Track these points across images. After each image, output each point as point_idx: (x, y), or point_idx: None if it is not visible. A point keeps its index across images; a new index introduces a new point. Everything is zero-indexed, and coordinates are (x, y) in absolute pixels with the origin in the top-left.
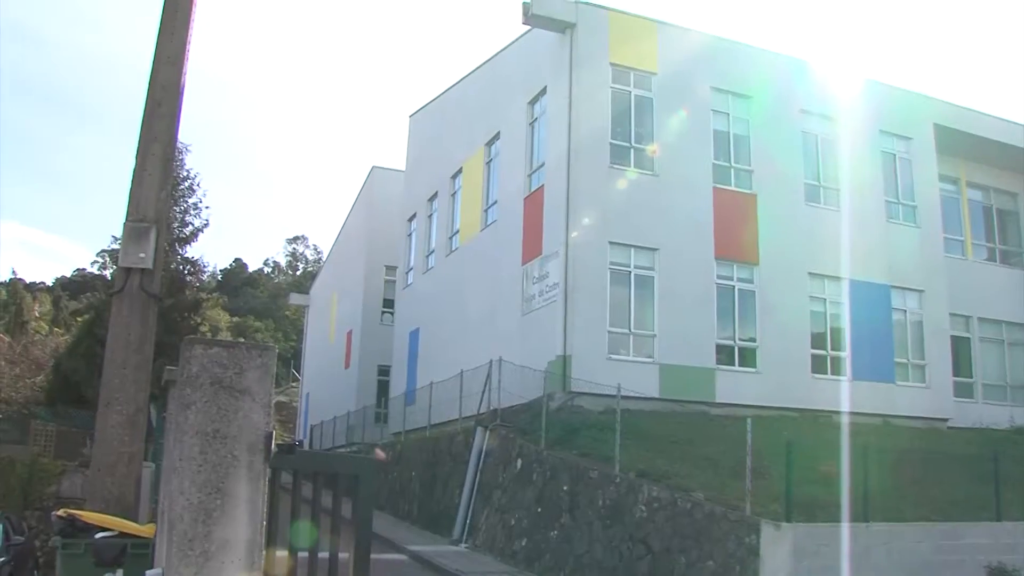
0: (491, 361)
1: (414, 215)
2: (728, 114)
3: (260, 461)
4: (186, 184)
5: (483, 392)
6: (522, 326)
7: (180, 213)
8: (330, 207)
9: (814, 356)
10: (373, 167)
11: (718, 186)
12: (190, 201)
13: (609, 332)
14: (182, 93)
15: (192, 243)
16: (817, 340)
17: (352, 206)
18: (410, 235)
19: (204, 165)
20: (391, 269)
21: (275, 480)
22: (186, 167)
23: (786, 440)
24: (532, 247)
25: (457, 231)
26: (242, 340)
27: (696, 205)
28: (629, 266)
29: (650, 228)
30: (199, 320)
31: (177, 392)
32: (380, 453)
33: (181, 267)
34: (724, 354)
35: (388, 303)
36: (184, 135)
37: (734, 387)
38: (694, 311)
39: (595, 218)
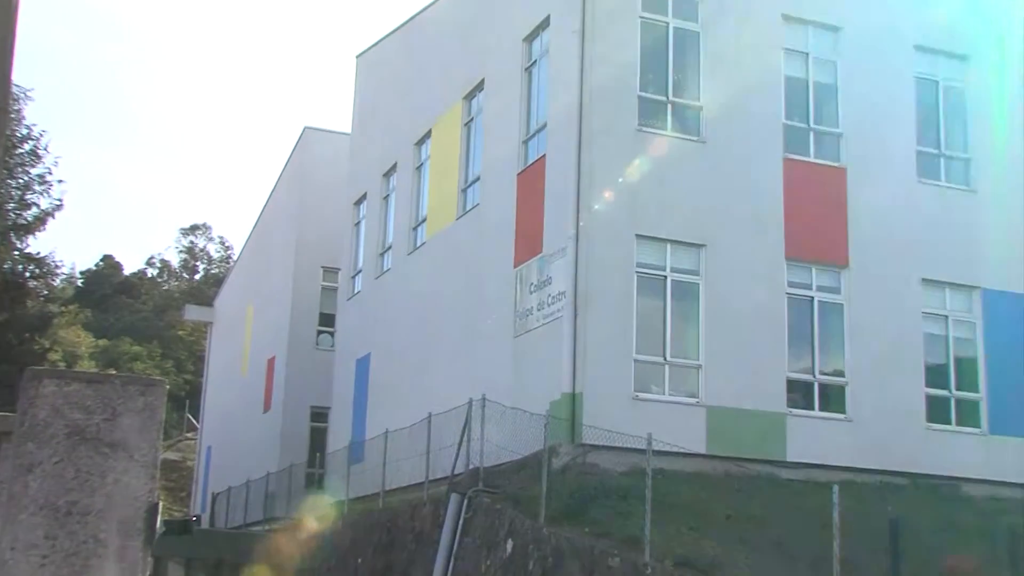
0: (471, 401)
1: (363, 197)
2: (807, 54)
3: (138, 546)
4: (27, 147)
5: (460, 445)
6: (515, 352)
7: (17, 189)
8: (244, 185)
9: (931, 399)
10: (305, 128)
11: (791, 157)
12: (33, 172)
13: (636, 361)
14: (16, 11)
15: (37, 233)
16: (935, 376)
17: (275, 184)
18: (357, 224)
19: (64, 125)
20: (331, 272)
21: (160, 572)
22: (25, 121)
23: (891, 518)
24: (528, 242)
25: (424, 219)
26: (114, 372)
27: (759, 184)
28: (664, 269)
29: (694, 216)
30: (47, 344)
31: (13, 448)
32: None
33: (19, 267)
34: (799, 393)
35: (327, 319)
36: (33, 80)
37: (814, 441)
38: (756, 333)
39: (617, 202)
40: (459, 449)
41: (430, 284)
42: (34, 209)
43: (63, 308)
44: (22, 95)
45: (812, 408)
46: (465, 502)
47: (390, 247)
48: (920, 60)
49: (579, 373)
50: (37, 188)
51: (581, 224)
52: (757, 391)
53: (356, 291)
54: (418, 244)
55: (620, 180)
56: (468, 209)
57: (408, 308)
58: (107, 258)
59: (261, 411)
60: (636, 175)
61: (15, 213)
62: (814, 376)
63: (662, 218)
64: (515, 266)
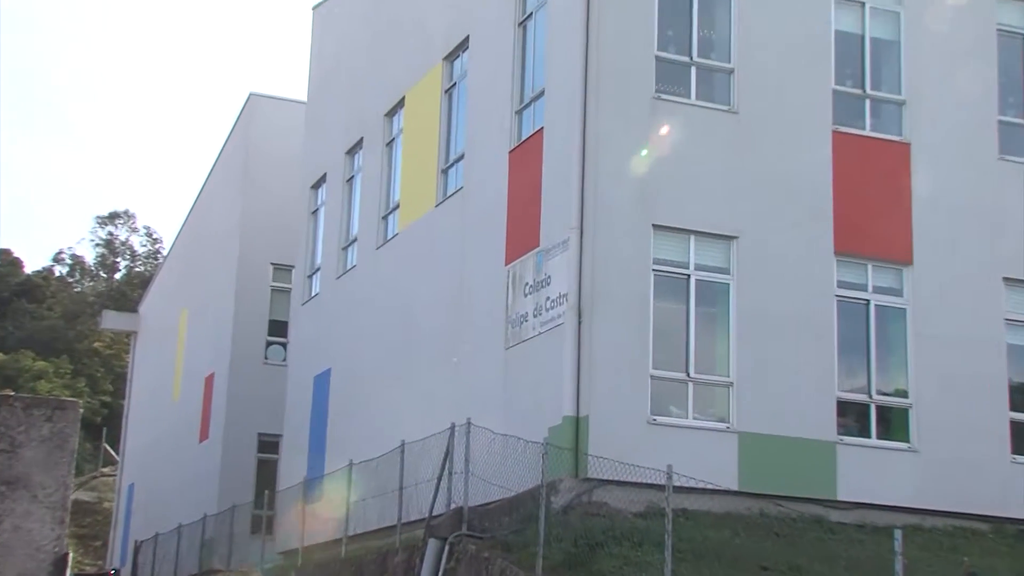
0: (453, 427)
1: (321, 179)
2: (863, 4)
3: None
4: None
5: (439, 480)
6: (506, 367)
7: None
8: (176, 165)
9: (1018, 425)
10: (251, 96)
11: (842, 130)
12: None
13: (653, 378)
14: None
15: None
16: (1023, 397)
17: (214, 164)
18: (315, 212)
19: None
20: (282, 271)
21: None
22: None
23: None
24: (523, 234)
25: (396, 207)
26: (11, 393)
27: (803, 163)
28: (687, 266)
29: (724, 202)
30: None
31: None
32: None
33: None
34: (852, 417)
35: (278, 327)
36: None
37: (870, 475)
38: (799, 344)
39: (630, 185)
40: (438, 485)
41: (404, 285)
42: None
43: None
44: None
45: (868, 435)
46: (446, 549)
47: (355, 240)
48: (1005, 9)
49: (584, 392)
50: None
51: (586, 212)
52: (801, 415)
53: (314, 293)
54: (389, 236)
55: (634, 158)
56: (449, 194)
57: (377, 314)
58: (3, 253)
59: (196, 440)
60: (654, 152)
61: None
62: (870, 396)
63: (685, 204)
64: (507, 263)
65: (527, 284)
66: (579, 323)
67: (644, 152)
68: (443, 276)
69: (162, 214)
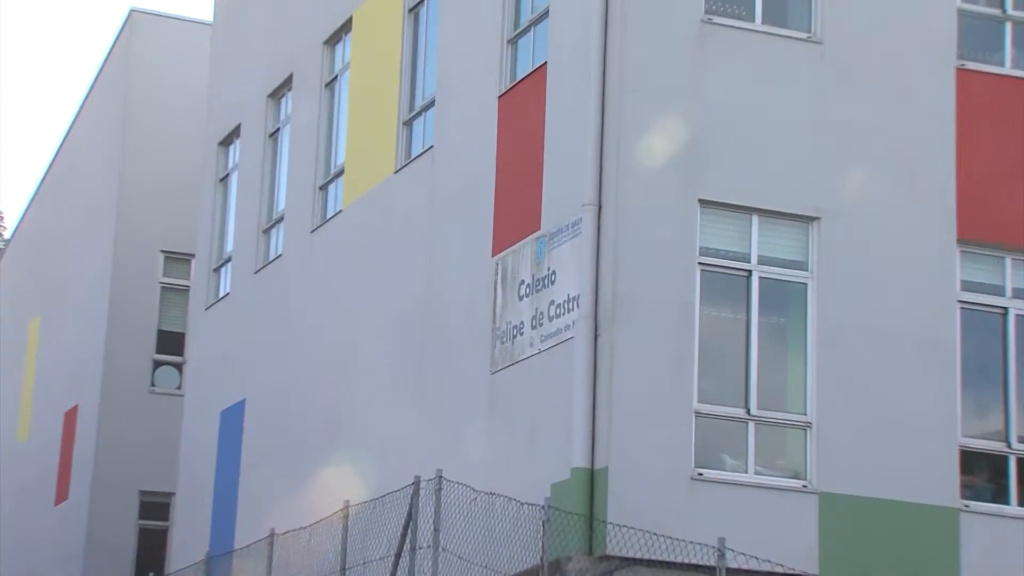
0: (417, 482)
1: (233, 133)
2: None
3: None
4: None
5: (398, 557)
6: (492, 399)
7: None
8: (24, 115)
9: None
10: (131, 12)
11: (971, 67)
12: None
13: (699, 415)
14: None
15: None
16: None
17: (77, 112)
18: (224, 179)
19: None
20: (177, 262)
21: None
22: None
23: None
24: (517, 213)
25: (339, 172)
26: None
27: (914, 113)
28: (747, 258)
29: (801, 169)
30: None
31: None
32: None
33: None
34: (981, 474)
35: (170, 342)
36: None
37: (1007, 554)
38: (906, 369)
39: (669, 145)
40: (397, 564)
41: (349, 283)
42: None
43: None
44: None
45: (1004, 500)
46: None
47: (280, 219)
48: None
49: (602, 435)
50: None
51: (607, 182)
52: (909, 470)
53: (222, 294)
54: (329, 215)
55: (675, 107)
56: (415, 155)
57: (312, 324)
58: None
59: (51, 502)
60: (702, 99)
61: None
62: (1008, 445)
63: (745, 172)
64: (494, 253)
65: (523, 283)
66: (595, 338)
67: (688, 98)
68: (404, 271)
69: (4, 185)
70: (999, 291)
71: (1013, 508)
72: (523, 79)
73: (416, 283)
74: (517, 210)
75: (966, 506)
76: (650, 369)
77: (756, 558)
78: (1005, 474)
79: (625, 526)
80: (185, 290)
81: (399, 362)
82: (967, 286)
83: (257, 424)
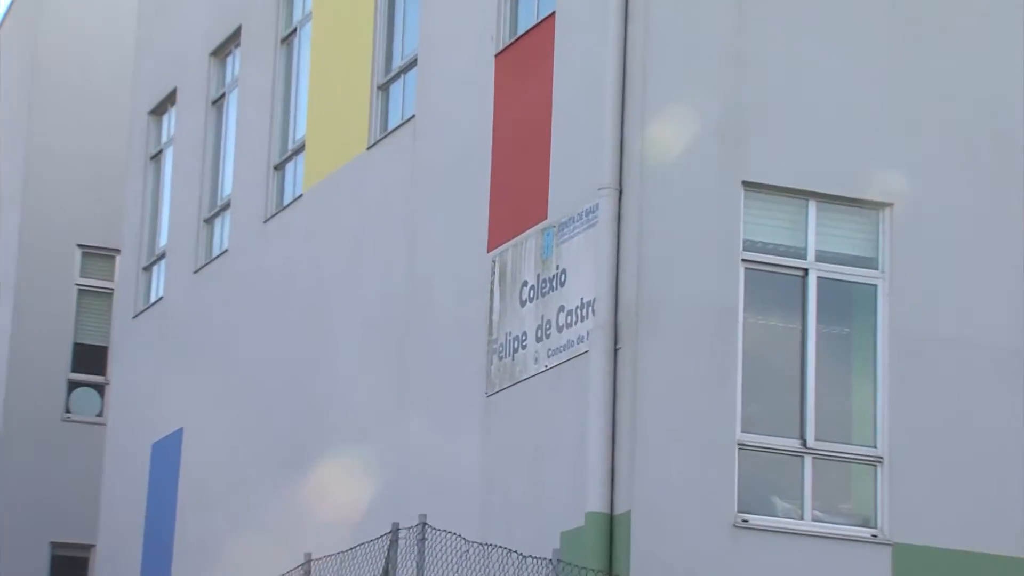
0: (395, 529)
1: (168, 99)
2: None
3: None
4: None
5: None
6: (488, 427)
7: None
8: None
9: None
10: None
11: None
12: None
13: (743, 448)
14: None
15: None
16: None
17: None
18: (156, 157)
19: None
20: (99, 258)
21: None
22: None
23: None
24: (518, 199)
25: (300, 147)
26: None
27: (1003, 78)
28: (803, 254)
29: (869, 145)
30: None
31: None
32: None
33: None
34: None
35: (89, 358)
36: None
37: None
38: (1000, 392)
39: (706, 115)
40: None
41: (312, 284)
42: None
43: None
44: None
45: None
46: None
47: (227, 206)
48: None
49: (623, 472)
50: None
51: (629, 160)
52: (1005, 515)
53: (154, 298)
54: (287, 201)
55: (712, 69)
56: (392, 128)
57: (267, 334)
58: None
59: None
60: (746, 59)
61: None
62: None
63: (799, 148)
64: (490, 248)
65: (525, 285)
66: (615, 352)
67: (729, 57)
68: (379, 270)
69: None
70: None
71: None
72: (525, 34)
73: (394, 285)
74: (518, 195)
75: None
76: (682, 390)
77: None
78: None
79: None
80: (108, 294)
81: (373, 382)
82: None
83: (198, 459)
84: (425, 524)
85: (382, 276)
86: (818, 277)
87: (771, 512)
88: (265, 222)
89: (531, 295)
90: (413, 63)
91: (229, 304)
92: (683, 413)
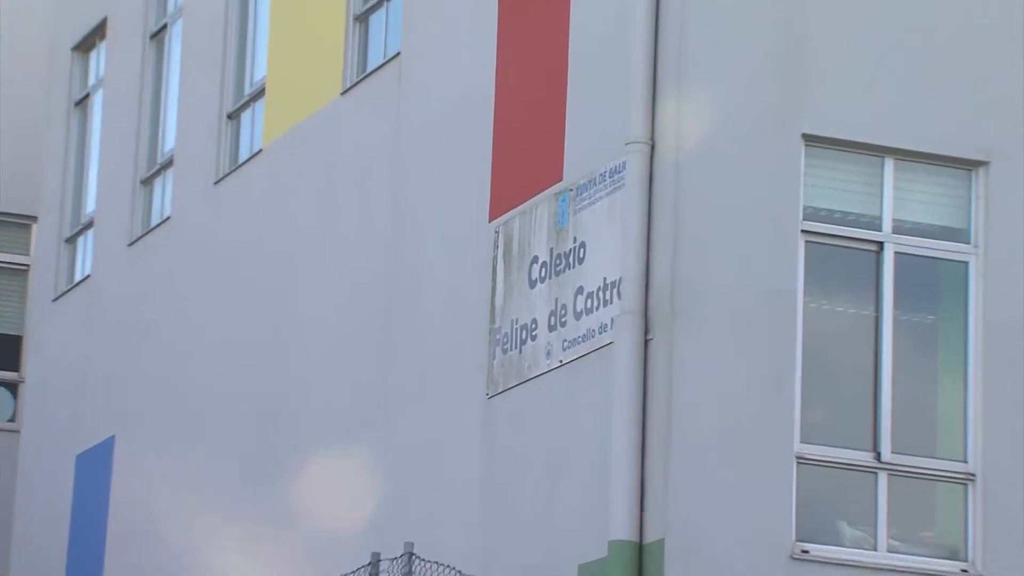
0: (375, 560)
1: (96, 31)
2: None
3: None
4: None
5: None
6: (489, 435)
7: None
8: None
9: None
10: None
11: None
12: None
13: (802, 461)
14: None
15: None
16: None
17: None
18: (80, 104)
19: None
20: (10, 228)
21: None
22: None
23: None
24: (527, 155)
25: (258, 93)
26: None
27: None
28: (878, 224)
29: (956, 91)
30: None
31: None
32: None
33: None
34: None
35: None
36: None
37: None
38: None
39: (758, 52)
40: None
41: (274, 259)
42: None
43: None
44: None
45: None
46: None
47: (168, 164)
48: None
49: (654, 492)
50: None
51: (662, 108)
52: None
53: (80, 276)
54: (242, 158)
55: None
56: (371, 68)
57: (218, 321)
58: None
59: None
60: None
61: None
62: None
63: (873, 94)
64: (493, 217)
65: (535, 262)
66: (646, 344)
67: None
68: (356, 243)
69: None
70: None
71: None
72: None
73: (375, 262)
74: (527, 151)
75: None
76: (728, 392)
77: None
78: None
79: None
80: (23, 271)
81: (350, 380)
82: None
83: (133, 473)
84: (412, 554)
85: (360, 251)
86: (895, 252)
87: (837, 541)
88: (216, 183)
89: (542, 274)
90: None
91: (172, 284)
92: (729, 419)
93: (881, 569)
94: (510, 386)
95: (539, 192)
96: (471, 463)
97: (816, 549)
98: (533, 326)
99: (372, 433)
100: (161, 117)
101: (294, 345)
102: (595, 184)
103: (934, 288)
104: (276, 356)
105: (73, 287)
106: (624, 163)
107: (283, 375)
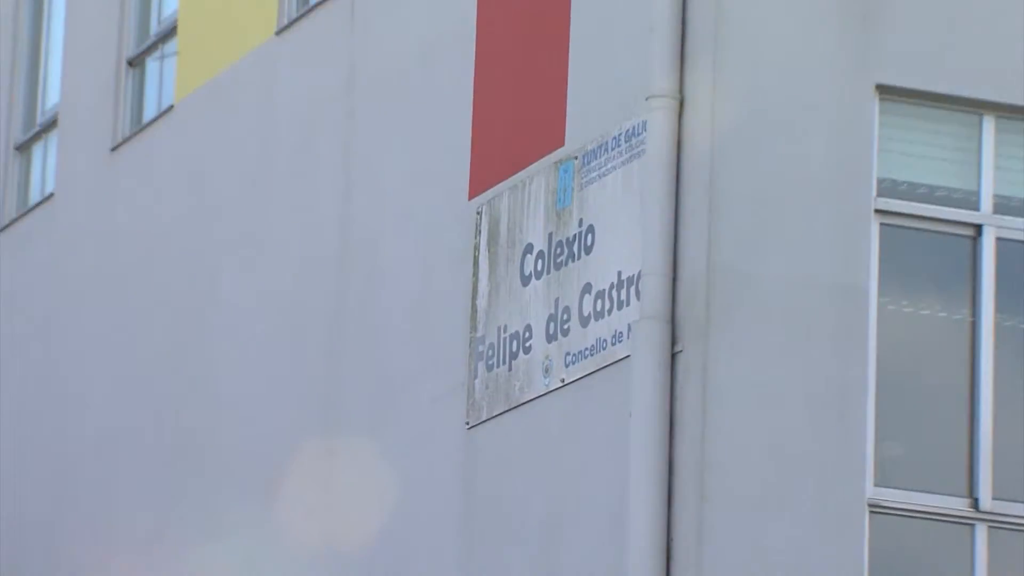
0: None
1: None
2: None
3: None
4: None
5: None
6: (471, 475)
7: None
8: None
9: None
10: None
11: None
12: None
13: (875, 510)
14: None
15: None
16: None
17: None
18: None
19: None
20: None
21: None
22: None
23: None
24: (517, 114)
25: (170, 30)
26: None
27: None
28: (974, 200)
29: None
30: None
31: None
32: None
33: None
34: None
35: None
36: None
37: None
38: None
39: None
40: None
41: (191, 249)
42: None
43: None
44: None
45: None
46: None
47: (52, 124)
48: None
49: (686, 549)
50: None
51: (695, 53)
52: None
53: None
54: (149, 115)
55: None
56: (316, 1)
57: (112, 322)
58: None
59: None
60: None
61: None
62: None
63: (964, 34)
64: (474, 194)
65: (530, 251)
66: (673, 357)
67: None
68: (295, 225)
69: None
70: None
71: None
72: None
73: (319, 250)
74: (518, 110)
75: None
76: (780, 420)
77: None
78: None
79: None
80: None
81: (285, 403)
82: None
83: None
84: None
85: (299, 236)
86: (997, 238)
87: None
88: (113, 150)
89: (539, 268)
90: None
91: (54, 278)
92: (781, 455)
93: None
94: (496, 413)
95: (534, 161)
96: (445, 515)
97: None
98: (527, 335)
99: (312, 476)
100: (42, 65)
101: (212, 358)
102: (606, 150)
103: None
104: (189, 371)
105: None
106: (644, 123)
107: (198, 397)
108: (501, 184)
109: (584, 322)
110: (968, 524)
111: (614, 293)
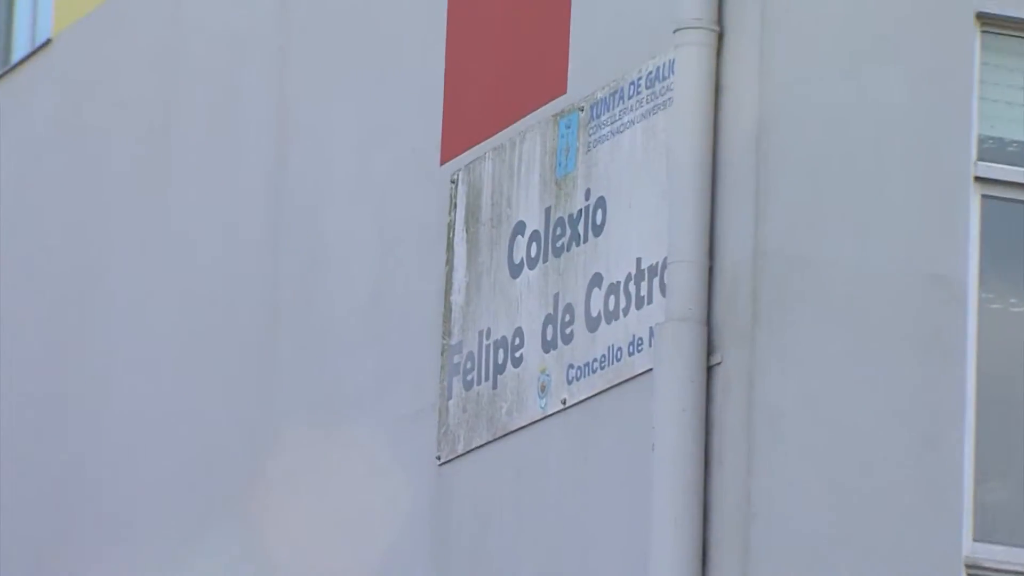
0: None
1: None
2: None
3: None
4: None
5: None
6: (442, 523)
7: None
8: None
9: None
10: None
11: None
12: None
13: (973, 571)
14: None
15: None
16: None
17: None
18: None
19: None
20: None
21: None
22: None
23: None
24: (505, 52)
25: None
26: None
27: None
28: None
29: None
30: None
31: None
32: None
33: None
34: None
35: None
36: None
37: None
38: None
39: None
40: None
41: (75, 220)
42: None
43: None
44: None
45: None
46: None
47: None
48: None
49: None
50: None
51: None
52: None
53: None
54: (21, 53)
55: None
56: None
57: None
58: None
59: None
60: None
61: None
62: None
63: None
64: (447, 157)
65: (522, 231)
66: (708, 371)
67: None
68: (216, 197)
69: None
70: None
71: None
72: None
73: (244, 225)
74: (506, 48)
75: None
76: (846, 449)
77: None
78: None
79: None
80: None
81: (202, 419)
82: None
83: None
84: None
85: (217, 208)
86: None
87: None
88: None
89: (533, 254)
90: None
91: None
92: (849, 499)
93: None
94: (476, 445)
95: (526, 114)
96: (416, 565)
97: None
98: (516, 342)
99: (235, 522)
100: None
101: (96, 369)
102: (622, 99)
103: None
104: (70, 388)
105: None
106: (671, 63)
107: (87, 409)
108: (483, 144)
109: (592, 325)
110: None
111: (632, 287)
